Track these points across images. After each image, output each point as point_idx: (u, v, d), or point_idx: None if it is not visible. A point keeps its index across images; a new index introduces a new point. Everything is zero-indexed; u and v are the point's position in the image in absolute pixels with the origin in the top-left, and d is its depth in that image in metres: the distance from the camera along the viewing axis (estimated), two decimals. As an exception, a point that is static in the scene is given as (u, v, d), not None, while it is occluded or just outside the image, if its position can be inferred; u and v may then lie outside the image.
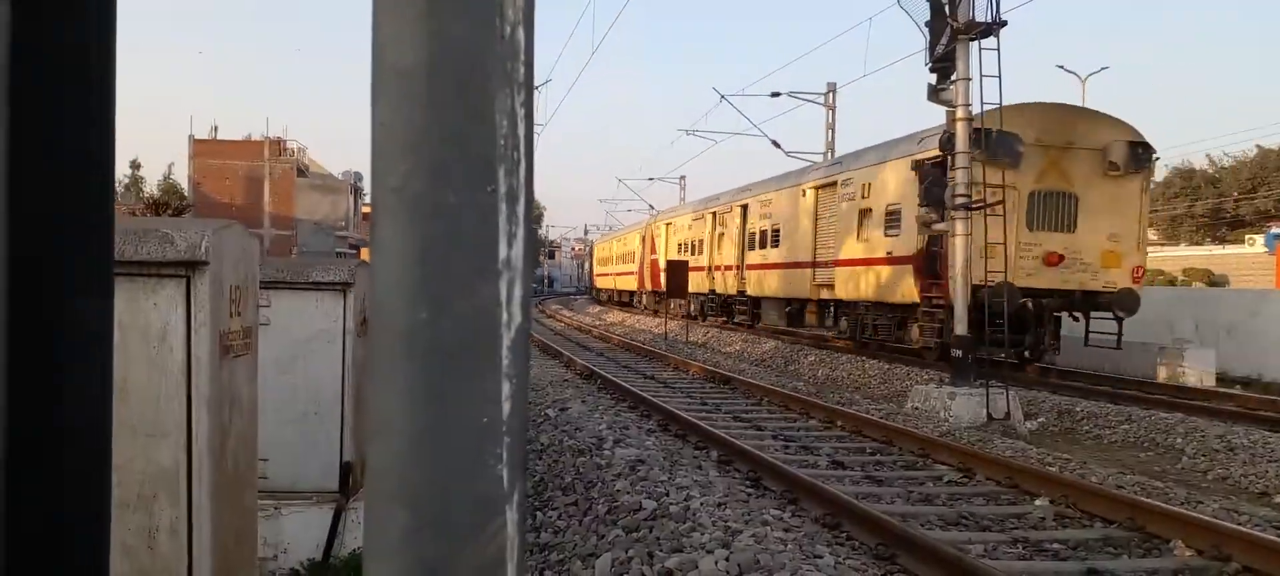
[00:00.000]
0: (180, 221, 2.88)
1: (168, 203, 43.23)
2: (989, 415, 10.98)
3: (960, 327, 12.00)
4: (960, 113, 11.94)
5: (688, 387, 13.48)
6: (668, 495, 6.04)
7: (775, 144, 29.27)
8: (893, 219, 16.05)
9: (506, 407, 0.76)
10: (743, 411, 11.13)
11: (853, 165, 18.09)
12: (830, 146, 28.10)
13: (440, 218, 0.76)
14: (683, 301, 24.81)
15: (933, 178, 13.29)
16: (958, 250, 12.22)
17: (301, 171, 50.69)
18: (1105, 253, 13.19)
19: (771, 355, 18.72)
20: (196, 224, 2.90)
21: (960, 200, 12.06)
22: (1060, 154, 13.58)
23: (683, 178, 52.54)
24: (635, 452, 7.63)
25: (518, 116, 0.77)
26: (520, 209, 0.76)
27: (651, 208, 50.60)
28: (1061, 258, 11.62)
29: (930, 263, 14.72)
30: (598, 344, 21.98)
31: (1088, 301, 12.85)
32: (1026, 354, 14.30)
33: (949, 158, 12.88)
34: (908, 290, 15.41)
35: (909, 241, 15.34)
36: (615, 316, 34.84)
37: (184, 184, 49.20)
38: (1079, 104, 11.23)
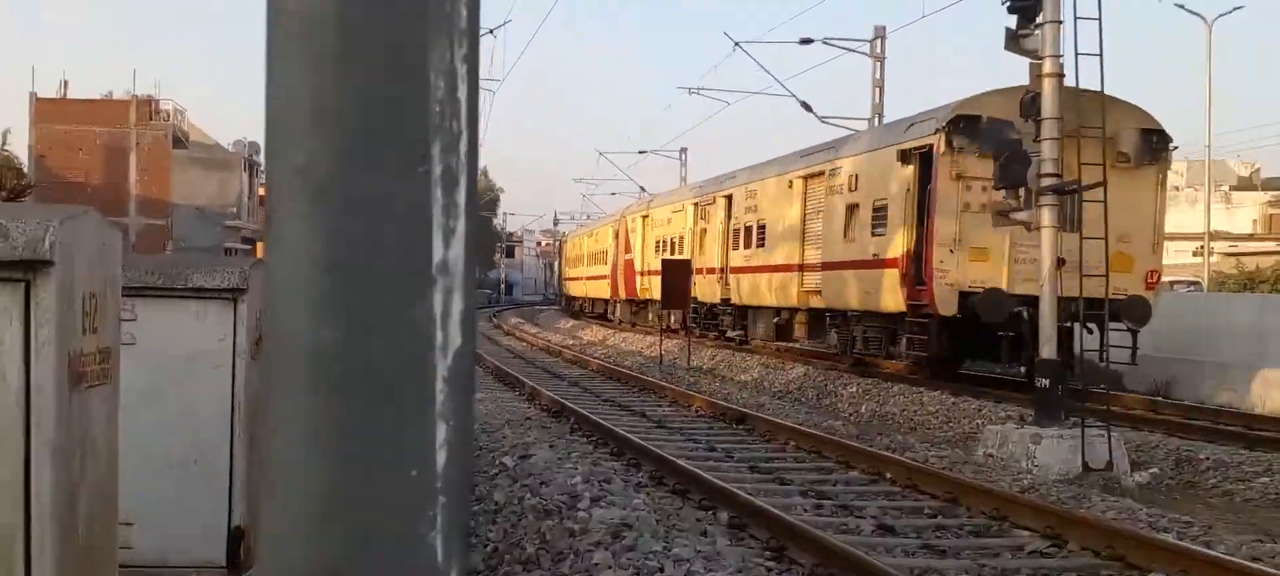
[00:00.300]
0: (17, 208, 2.88)
1: (0, 182, 43.13)
2: (1085, 464, 11.05)
3: (1047, 349, 12.10)
4: (1048, 66, 12.04)
5: (689, 427, 13.52)
6: (662, 571, 6.05)
7: (805, 106, 28.17)
8: (879, 216, 17.39)
9: (443, 457, 0.77)
10: (762, 459, 11.17)
11: (843, 151, 19.40)
12: (877, 110, 28.07)
13: (357, 208, 0.76)
14: (680, 313, 25.38)
15: (1011, 152, 13.38)
16: (1045, 247, 12.31)
17: (179, 141, 50.49)
18: (1115, 255, 13.71)
19: (800, 384, 18.81)
20: (39, 210, 2.90)
21: (1048, 182, 12.17)
22: (1070, 141, 13.75)
23: (684, 151, 52.49)
24: (620, 514, 7.63)
25: (458, 75, 0.78)
26: (460, 195, 0.77)
27: (643, 190, 50.90)
28: (1063, 261, 12.48)
29: (918, 266, 15.89)
30: (571, 370, 22.02)
31: (1093, 311, 13.49)
32: (1024, 370, 15.66)
33: (948, 143, 14.79)
34: (893, 298, 16.78)
35: (896, 242, 16.66)
36: (594, 333, 34.89)
37: (21, 157, 49.05)
38: (1097, 88, 12.28)
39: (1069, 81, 12.19)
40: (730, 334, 24.99)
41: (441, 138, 0.78)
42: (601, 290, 40.64)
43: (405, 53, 0.77)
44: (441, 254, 0.78)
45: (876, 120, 27.54)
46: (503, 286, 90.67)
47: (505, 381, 19.14)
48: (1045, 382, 12.04)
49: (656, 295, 27.96)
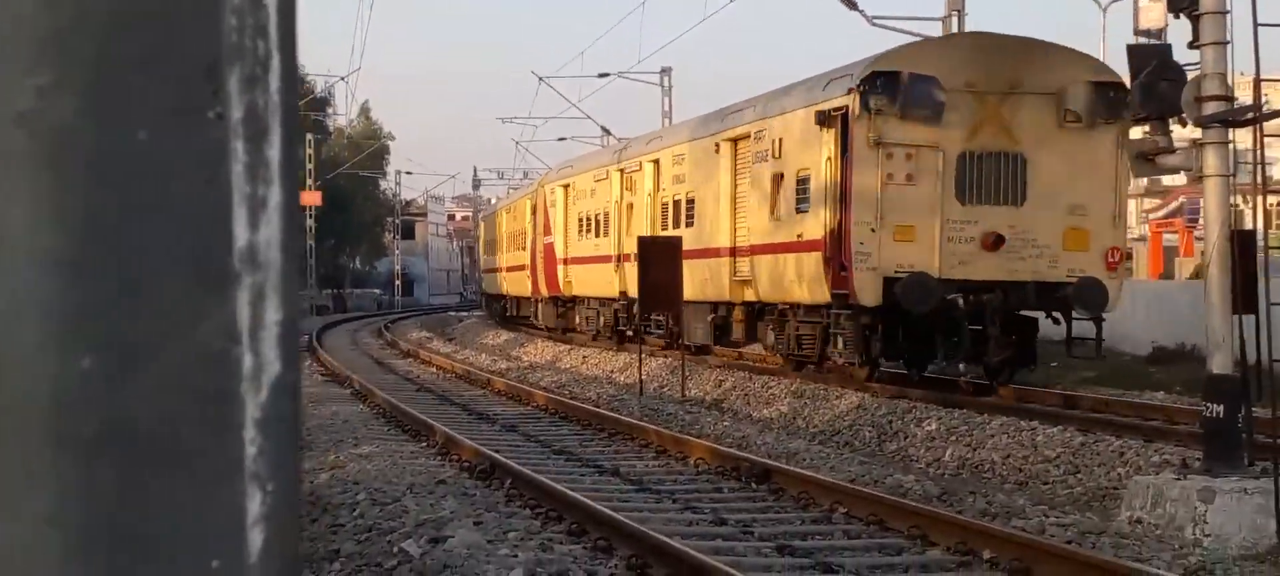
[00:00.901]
0: None
1: None
2: (1280, 529, 11.11)
3: (1220, 359, 12.18)
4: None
5: (686, 489, 13.53)
6: None
7: (849, 2, 28.70)
8: (803, 188, 20.43)
9: (258, 538, 0.77)
10: (796, 535, 11.20)
11: (770, 109, 22.54)
12: (956, 9, 28.36)
13: (113, 174, 0.77)
14: (665, 319, 27.16)
15: (1154, 66, 13.49)
16: (1212, 203, 12.41)
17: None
18: (1068, 232, 16.86)
19: (852, 421, 18.88)
20: None
21: (1215, 107, 12.27)
22: (1000, 102, 17.83)
23: (666, 72, 52.46)
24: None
25: (267, -29, 0.78)
26: (273, 149, 0.78)
27: (605, 132, 50.97)
28: (1002, 239, 14.92)
29: (840, 248, 18.74)
30: (505, 407, 22.03)
31: (1044, 296, 16.81)
32: (986, 371, 19.29)
33: (863, 104, 18.17)
34: (819, 287, 19.81)
35: (819, 220, 19.60)
36: (539, 351, 34.90)
37: None
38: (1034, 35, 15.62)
39: None
40: (656, 334, 28.39)
41: (241, 62, 0.79)
42: (521, 286, 42.21)
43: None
44: (247, 238, 0.79)
45: (954, 19, 27.68)
46: (398, 283, 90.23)
47: (404, 427, 19.11)
48: (1218, 411, 12.10)
49: (588, 291, 32.82)
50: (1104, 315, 18.55)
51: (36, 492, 0.77)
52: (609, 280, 31.29)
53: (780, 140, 21.60)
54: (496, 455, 15.05)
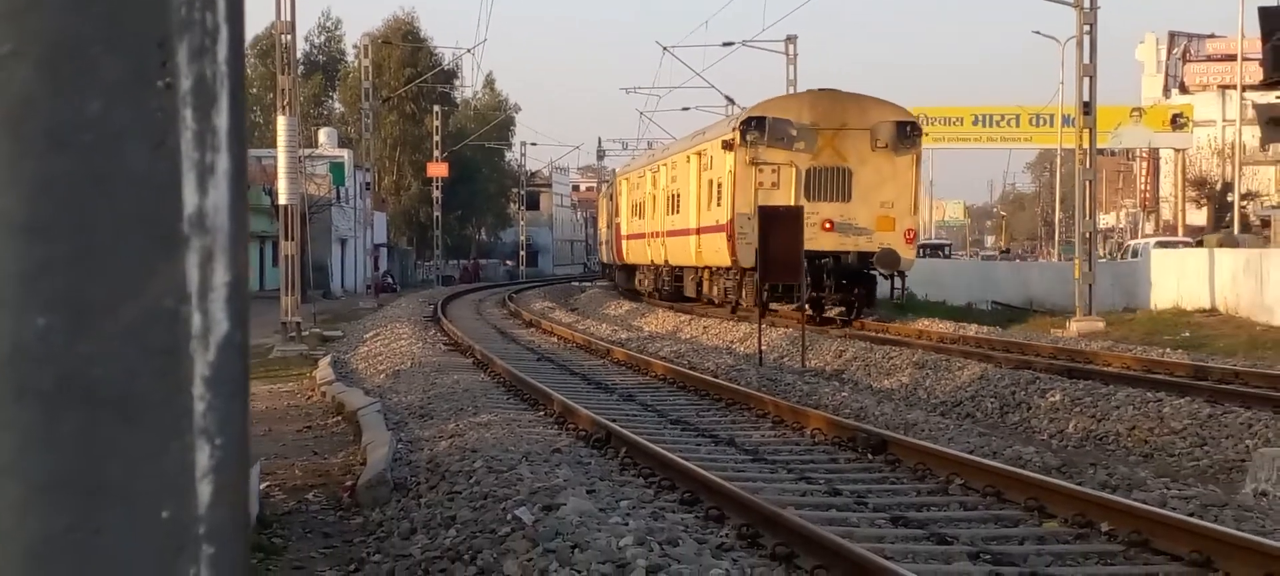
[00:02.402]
0: None
1: None
2: None
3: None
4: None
5: (801, 460, 13.46)
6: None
7: None
8: (718, 191, 32.02)
9: (206, 490, 0.80)
10: (910, 507, 11.08)
11: (708, 136, 35.45)
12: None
13: (67, 141, 0.80)
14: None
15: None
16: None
17: None
18: (879, 218, 28.19)
19: (974, 393, 18.68)
20: None
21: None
22: (834, 135, 28.94)
23: (791, 41, 52.07)
24: (689, 595, 7.68)
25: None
26: (221, 117, 0.80)
27: (730, 102, 51.48)
28: (832, 224, 26.26)
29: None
30: (623, 377, 22.07)
31: (862, 261, 28.21)
32: (849, 311, 29.40)
33: (742, 138, 29.72)
34: (723, 255, 31.52)
35: (724, 211, 31.14)
36: (659, 321, 34.99)
37: None
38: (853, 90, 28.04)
39: None
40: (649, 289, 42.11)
41: (190, 34, 0.82)
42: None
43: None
44: (195, 203, 0.82)
45: None
46: (522, 254, 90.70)
47: (523, 396, 19.24)
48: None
49: (638, 259, 45.17)
50: (903, 271, 29.33)
51: (-5, 445, 0.81)
52: (643, 250, 43.04)
53: (712, 158, 32.33)
54: (612, 424, 15.09)
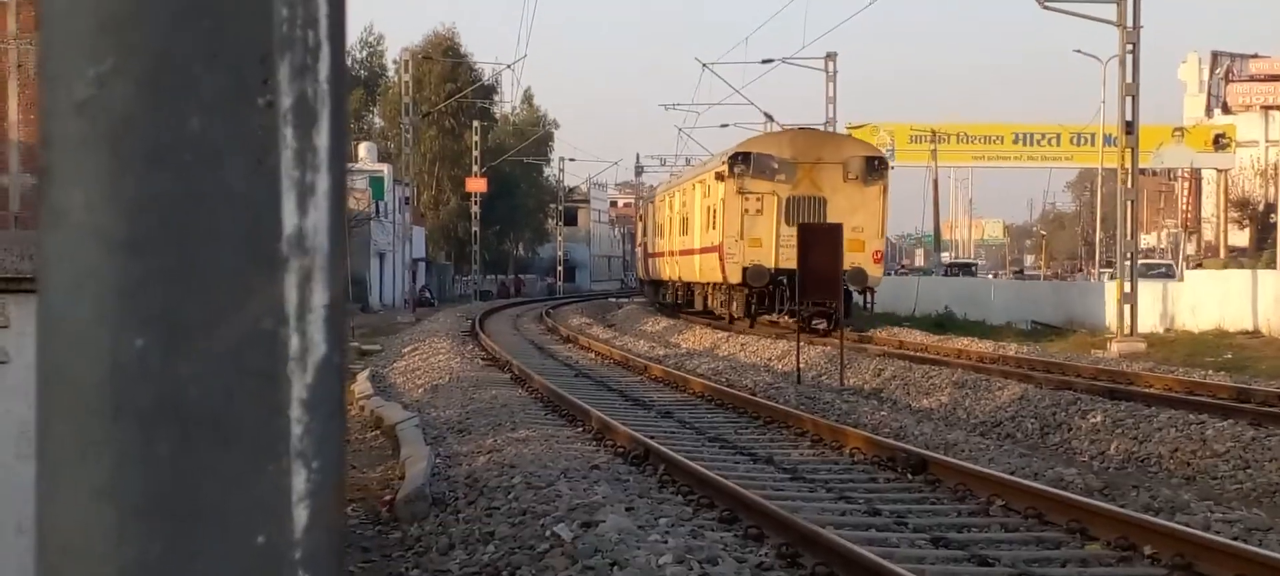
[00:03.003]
0: None
1: None
2: None
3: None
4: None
5: (840, 479, 13.42)
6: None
7: None
8: (714, 216, 36.28)
9: (303, 515, 0.80)
10: (951, 527, 11.04)
11: (706, 166, 40.94)
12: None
13: (168, 160, 0.80)
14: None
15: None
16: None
17: None
18: (850, 241, 28.81)
19: (1014, 413, 18.60)
20: None
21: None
22: (811, 167, 33.06)
23: (831, 58, 52.06)
24: (728, 614, 7.65)
25: (318, -38, 0.80)
26: (321, 137, 0.80)
27: (769, 118, 52.07)
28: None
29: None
30: (661, 394, 22.08)
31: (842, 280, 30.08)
32: (827, 322, 30.99)
33: (731, 171, 34.27)
34: (717, 272, 35.58)
35: (716, 234, 35.30)
36: (698, 338, 34.99)
37: None
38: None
39: None
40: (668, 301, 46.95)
41: (291, 52, 0.81)
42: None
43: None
44: (295, 223, 0.81)
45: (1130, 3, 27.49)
46: (560, 270, 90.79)
47: (561, 412, 19.25)
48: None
49: (660, 276, 49.56)
50: (871, 287, 34.07)
51: (92, 465, 0.80)
52: (667, 267, 47.29)
53: (710, 187, 36.27)
54: (650, 441, 15.08)
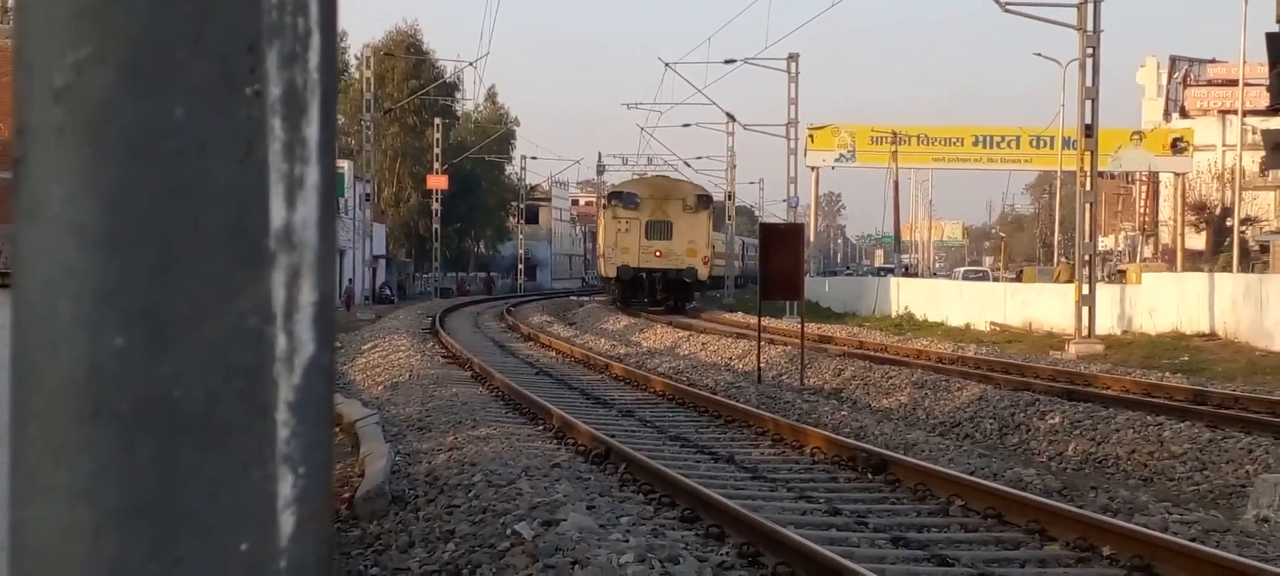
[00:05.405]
0: None
1: None
2: None
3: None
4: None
5: (801, 478, 13.44)
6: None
7: None
8: (607, 233, 55.22)
9: (289, 521, 0.77)
10: (911, 527, 11.08)
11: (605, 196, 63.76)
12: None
13: (150, 151, 0.77)
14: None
15: None
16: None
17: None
18: (687, 251, 50.65)
19: (973, 414, 18.68)
20: None
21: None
22: (662, 201, 51.94)
23: (793, 60, 52.34)
24: (690, 613, 7.63)
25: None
26: (311, 128, 0.77)
27: (730, 118, 54.71)
28: (662, 254, 49.71)
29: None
30: (622, 392, 22.07)
31: (677, 276, 50.56)
32: (672, 304, 50.79)
33: (608, 204, 55.96)
34: (607, 270, 54.75)
35: (605, 244, 56.51)
36: (659, 337, 34.98)
37: None
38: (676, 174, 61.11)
39: None
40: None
41: (281, 39, 0.79)
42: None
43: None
44: (283, 217, 0.79)
45: (1090, 7, 27.84)
46: (521, 267, 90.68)
47: (522, 410, 19.22)
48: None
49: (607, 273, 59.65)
50: (702, 282, 52.11)
51: (70, 469, 0.78)
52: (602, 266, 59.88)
53: (599, 214, 54.99)
54: (611, 440, 15.07)
